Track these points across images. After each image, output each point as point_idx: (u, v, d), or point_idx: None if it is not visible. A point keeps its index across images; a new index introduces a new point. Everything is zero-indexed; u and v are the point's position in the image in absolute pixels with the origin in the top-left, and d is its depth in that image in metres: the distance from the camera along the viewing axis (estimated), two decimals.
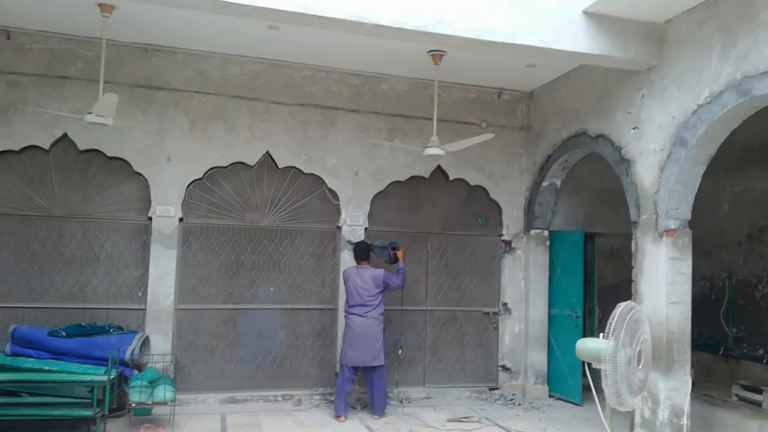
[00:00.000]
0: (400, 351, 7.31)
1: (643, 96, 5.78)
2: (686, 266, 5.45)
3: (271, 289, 7.10)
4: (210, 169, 6.84)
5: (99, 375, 5.33)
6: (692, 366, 5.51)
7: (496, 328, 7.84)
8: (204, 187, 6.88)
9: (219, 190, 6.95)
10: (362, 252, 6.56)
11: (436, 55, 6.24)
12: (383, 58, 6.80)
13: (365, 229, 7.26)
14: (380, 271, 6.44)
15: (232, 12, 4.87)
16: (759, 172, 7.27)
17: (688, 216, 5.45)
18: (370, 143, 7.25)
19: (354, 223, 7.23)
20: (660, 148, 5.50)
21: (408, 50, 6.18)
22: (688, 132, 5.17)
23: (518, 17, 5.22)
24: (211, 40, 6.46)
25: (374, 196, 7.33)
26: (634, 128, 5.88)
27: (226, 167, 6.92)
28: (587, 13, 5.36)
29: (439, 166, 7.54)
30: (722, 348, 7.59)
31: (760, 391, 6.12)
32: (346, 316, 6.46)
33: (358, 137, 7.30)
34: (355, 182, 7.27)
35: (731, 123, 5.02)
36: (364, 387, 6.67)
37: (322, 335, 7.23)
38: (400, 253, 6.67)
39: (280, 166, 7.08)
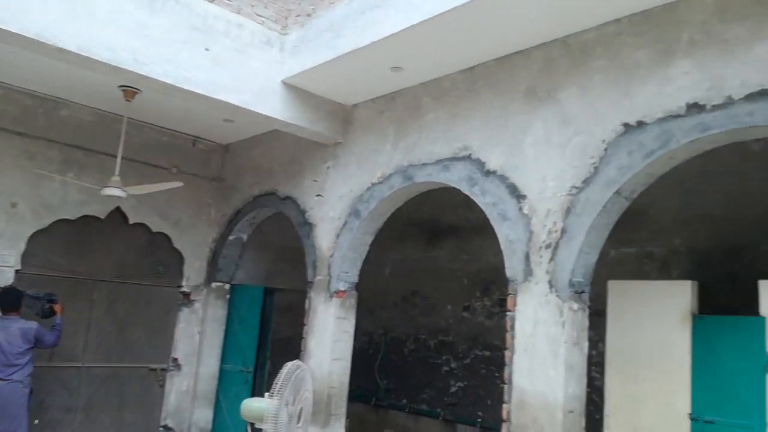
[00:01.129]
0: (36, 421, 6.25)
1: (328, 167, 6.29)
2: (350, 325, 5.94)
3: None
4: None
5: None
6: (348, 417, 5.96)
7: (163, 386, 7.37)
8: None
9: None
10: (11, 301, 5.58)
11: (129, 91, 5.83)
12: (66, 82, 6.08)
13: (17, 271, 6.19)
14: (33, 325, 5.55)
15: None
16: (415, 244, 8.49)
17: (356, 279, 5.99)
18: (37, 173, 6.31)
19: (4, 264, 6.11)
20: (338, 216, 6.01)
21: (97, 79, 5.64)
22: (362, 205, 5.76)
23: (220, 74, 5.24)
24: None
25: (34, 233, 6.32)
26: (317, 195, 6.32)
27: None
28: (286, 84, 5.66)
29: (118, 208, 6.92)
30: (374, 399, 8.45)
31: None
32: None
33: (21, 165, 6.29)
34: (11, 216, 6.20)
35: (396, 201, 5.72)
36: None
37: None
38: (57, 308, 5.89)
39: None
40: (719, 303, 4.81)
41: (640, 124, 3.77)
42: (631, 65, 3.90)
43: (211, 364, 7.61)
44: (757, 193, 5.12)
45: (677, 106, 3.61)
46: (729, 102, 3.38)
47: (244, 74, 5.40)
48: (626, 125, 3.85)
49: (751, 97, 3.30)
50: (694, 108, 3.53)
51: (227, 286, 7.81)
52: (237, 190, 7.69)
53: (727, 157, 4.86)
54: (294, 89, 5.73)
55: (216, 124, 7.09)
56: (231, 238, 7.65)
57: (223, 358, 7.69)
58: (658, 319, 4.60)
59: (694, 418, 4.32)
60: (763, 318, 4.11)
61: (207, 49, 5.17)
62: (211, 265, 7.78)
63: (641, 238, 5.87)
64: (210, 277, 7.75)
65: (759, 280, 4.23)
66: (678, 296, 4.57)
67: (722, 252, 5.32)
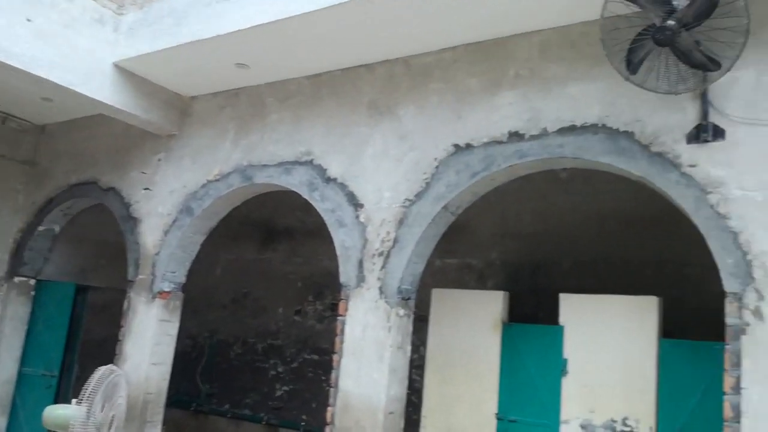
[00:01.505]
0: None
1: (159, 160, 5.94)
2: (173, 328, 5.66)
3: None
4: None
5: None
6: (165, 423, 5.65)
7: None
8: None
9: None
10: None
11: None
12: None
13: None
14: None
15: None
16: (250, 244, 8.32)
17: (183, 280, 5.73)
18: None
19: None
20: (168, 212, 5.70)
21: None
22: (195, 202, 5.52)
23: (43, 48, 4.76)
24: None
25: None
26: (145, 189, 5.95)
27: None
28: (118, 67, 5.28)
29: None
30: (194, 404, 8.11)
31: None
32: None
33: None
34: None
35: (234, 201, 5.58)
36: None
37: None
38: None
39: None
40: (526, 312, 5.33)
41: (468, 146, 4.09)
42: (464, 91, 4.22)
43: (8, 367, 6.82)
44: (562, 217, 5.79)
45: (501, 133, 3.98)
46: (544, 134, 3.80)
47: (71, 52, 4.96)
48: (456, 146, 4.14)
49: (562, 131, 3.74)
50: (515, 136, 3.91)
51: (32, 282, 7.05)
52: (52, 176, 6.97)
53: (539, 182, 5.43)
54: (127, 73, 5.36)
55: (32, 102, 6.36)
56: (40, 228, 6.93)
57: (24, 361, 6.92)
58: (473, 325, 4.98)
59: (499, 418, 4.73)
60: (562, 327, 4.62)
61: (29, 20, 4.68)
62: (15, 258, 6.97)
63: (463, 250, 6.33)
64: (12, 271, 6.93)
65: (559, 293, 4.76)
66: (491, 305, 4.98)
67: (530, 266, 5.92)
